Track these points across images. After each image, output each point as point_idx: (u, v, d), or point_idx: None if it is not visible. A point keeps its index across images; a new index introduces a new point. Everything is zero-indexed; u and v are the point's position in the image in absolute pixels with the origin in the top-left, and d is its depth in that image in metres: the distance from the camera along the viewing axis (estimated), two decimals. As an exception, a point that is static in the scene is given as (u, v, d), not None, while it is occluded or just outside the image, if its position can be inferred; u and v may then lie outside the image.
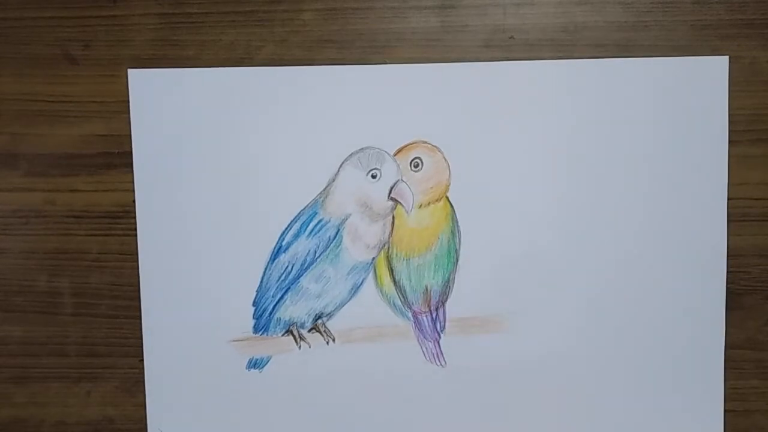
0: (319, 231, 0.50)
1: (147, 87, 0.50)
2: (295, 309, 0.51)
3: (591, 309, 0.51)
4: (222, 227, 0.50)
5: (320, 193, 0.50)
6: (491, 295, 0.50)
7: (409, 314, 0.51)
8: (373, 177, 0.50)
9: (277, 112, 0.50)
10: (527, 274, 0.50)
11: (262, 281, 0.51)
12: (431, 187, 0.50)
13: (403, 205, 0.50)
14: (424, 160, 0.50)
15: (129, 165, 0.50)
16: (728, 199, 0.50)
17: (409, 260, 0.51)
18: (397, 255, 0.51)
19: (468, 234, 0.50)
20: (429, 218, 0.50)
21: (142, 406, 0.52)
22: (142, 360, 0.51)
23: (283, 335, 0.51)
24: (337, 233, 0.50)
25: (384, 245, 0.51)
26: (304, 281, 0.51)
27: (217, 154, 0.50)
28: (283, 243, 0.50)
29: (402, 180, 0.50)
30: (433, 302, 0.51)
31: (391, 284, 0.51)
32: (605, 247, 0.50)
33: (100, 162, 0.51)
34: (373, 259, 0.51)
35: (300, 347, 0.51)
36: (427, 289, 0.51)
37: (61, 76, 0.50)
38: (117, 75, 0.50)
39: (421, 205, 0.50)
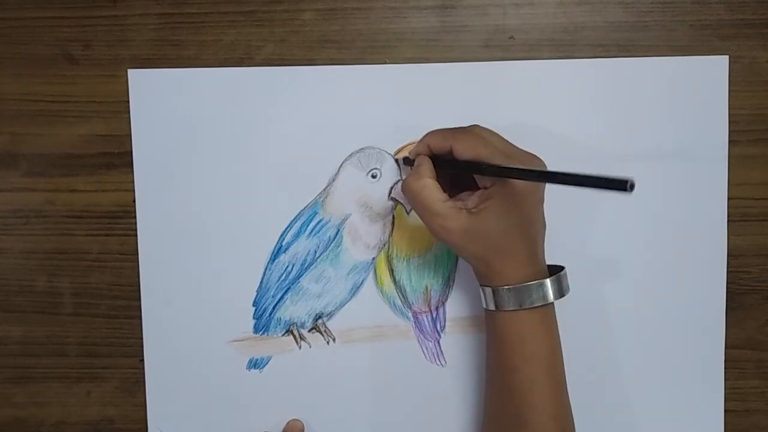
0: (319, 231, 0.50)
1: (147, 87, 0.50)
2: (295, 309, 0.51)
3: (590, 308, 0.51)
4: (222, 227, 0.50)
5: (320, 193, 0.50)
6: (491, 295, 0.50)
7: (409, 314, 0.51)
8: (373, 177, 0.50)
9: (277, 112, 0.50)
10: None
11: (262, 281, 0.51)
12: (431, 187, 0.50)
13: (403, 205, 0.50)
14: (424, 160, 0.50)
15: (129, 165, 0.50)
16: (728, 199, 0.50)
17: (409, 260, 0.51)
18: (397, 255, 0.51)
19: (468, 234, 0.50)
20: (429, 218, 0.50)
21: (142, 406, 0.52)
22: (142, 360, 0.51)
23: (283, 335, 0.51)
24: (337, 233, 0.50)
25: (384, 245, 0.51)
26: (304, 281, 0.51)
27: (217, 154, 0.50)
28: (284, 243, 0.50)
29: (402, 180, 0.50)
30: (433, 302, 0.51)
31: (391, 284, 0.51)
32: (605, 246, 0.50)
33: (100, 162, 0.51)
34: (373, 259, 0.51)
35: (300, 347, 0.51)
36: (427, 289, 0.51)
37: (61, 76, 0.50)
38: (117, 75, 0.50)
39: (421, 205, 0.50)
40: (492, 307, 0.44)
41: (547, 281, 0.43)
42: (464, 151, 0.43)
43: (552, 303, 0.43)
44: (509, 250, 0.42)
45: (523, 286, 0.42)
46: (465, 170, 0.44)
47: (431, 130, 0.46)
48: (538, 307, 0.42)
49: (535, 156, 0.43)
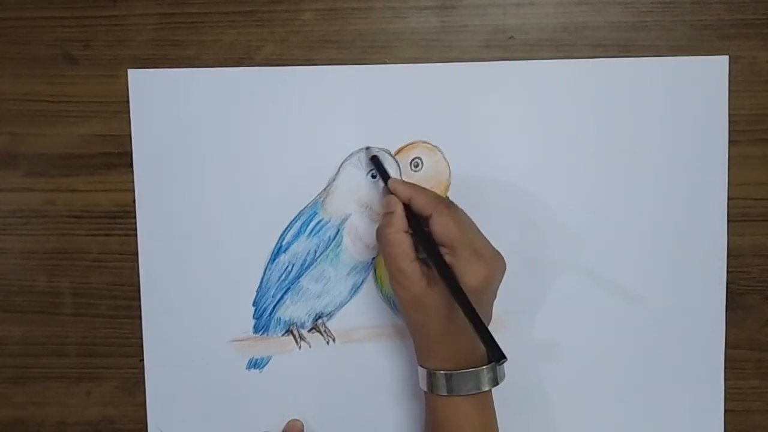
0: (319, 231, 0.50)
1: (147, 87, 0.50)
2: (295, 309, 0.51)
3: (590, 309, 0.51)
4: (222, 227, 0.50)
5: (320, 193, 0.50)
6: (491, 295, 0.50)
7: (409, 314, 0.51)
8: (373, 177, 0.50)
9: (277, 112, 0.50)
10: (526, 274, 0.50)
11: (262, 281, 0.51)
12: (431, 187, 0.50)
13: (403, 205, 0.50)
14: (424, 160, 0.50)
15: (129, 165, 0.50)
16: (728, 199, 0.50)
17: (409, 260, 0.51)
18: (397, 255, 0.51)
19: (468, 234, 0.50)
20: (429, 218, 0.50)
21: (142, 406, 0.52)
22: (142, 360, 0.51)
23: (283, 335, 0.51)
24: (337, 233, 0.50)
25: (384, 245, 0.51)
26: (304, 281, 0.51)
27: (217, 154, 0.50)
28: (284, 243, 0.50)
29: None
30: (433, 302, 0.51)
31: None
32: (605, 246, 0.50)
33: (100, 162, 0.51)
34: (373, 259, 0.51)
35: (300, 347, 0.51)
36: (427, 289, 0.51)
37: (61, 76, 0.50)
38: (117, 75, 0.50)
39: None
40: (425, 389, 0.44)
41: (483, 369, 0.42)
42: (440, 227, 0.42)
43: (489, 390, 0.43)
44: (450, 335, 0.42)
45: (457, 372, 0.42)
46: (420, 243, 0.43)
47: (418, 185, 0.45)
48: (473, 394, 0.42)
49: (499, 256, 0.43)
